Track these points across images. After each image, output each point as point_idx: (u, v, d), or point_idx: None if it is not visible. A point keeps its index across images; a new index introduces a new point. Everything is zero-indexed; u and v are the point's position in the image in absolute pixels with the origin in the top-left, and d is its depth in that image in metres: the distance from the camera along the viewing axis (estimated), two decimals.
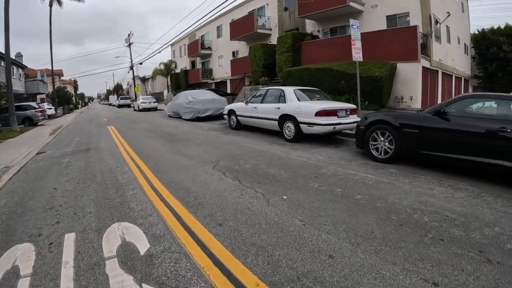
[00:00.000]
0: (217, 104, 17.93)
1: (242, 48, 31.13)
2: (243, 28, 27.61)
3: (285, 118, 9.96)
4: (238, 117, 12.62)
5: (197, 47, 38.32)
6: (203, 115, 17.57)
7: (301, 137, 9.66)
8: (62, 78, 64.53)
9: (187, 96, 18.66)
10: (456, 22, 22.22)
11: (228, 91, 32.91)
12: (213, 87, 35.89)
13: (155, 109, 32.09)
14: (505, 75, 24.28)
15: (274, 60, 22.24)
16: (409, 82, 15.86)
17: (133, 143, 10.34)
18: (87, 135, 13.84)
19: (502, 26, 25.48)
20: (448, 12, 19.43)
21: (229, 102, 20.16)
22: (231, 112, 13.16)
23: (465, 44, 25.49)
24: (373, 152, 6.91)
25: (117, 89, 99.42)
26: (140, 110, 31.73)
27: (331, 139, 10.06)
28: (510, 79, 24.18)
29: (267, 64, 22.88)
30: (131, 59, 53.85)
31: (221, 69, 35.93)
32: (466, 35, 26.04)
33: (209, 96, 18.68)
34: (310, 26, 22.67)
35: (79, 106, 76.06)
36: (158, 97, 44.33)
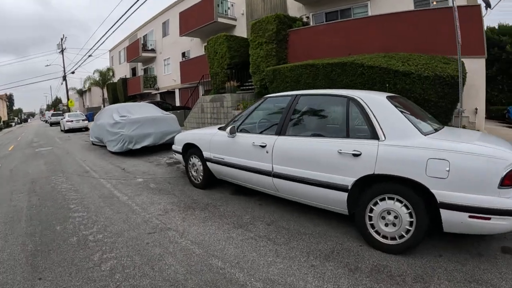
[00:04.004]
0: (161, 126, 10.73)
1: (196, 47, 24.14)
2: (197, 18, 20.49)
3: (377, 188, 3.49)
4: (212, 164, 5.55)
5: (137, 49, 30.83)
6: (138, 145, 10.15)
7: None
8: None
9: (113, 114, 11.02)
10: None
11: (178, 103, 26.23)
12: (158, 98, 29.19)
13: (86, 128, 25.97)
14: (505, 79, 21.75)
15: (245, 57, 15.62)
16: (471, 87, 10.42)
17: None
18: None
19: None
20: None
21: (180, 120, 13.32)
22: (191, 150, 6.04)
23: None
24: None
25: (56, 104, 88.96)
26: (66, 131, 25.76)
27: None
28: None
29: (234, 63, 16.15)
30: (64, 68, 44.26)
31: (168, 76, 28.86)
32: None
33: (148, 113, 11.13)
34: (294, 11, 16.30)
35: (13, 124, 66.24)
36: (95, 113, 36.32)
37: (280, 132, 4.41)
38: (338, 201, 3.73)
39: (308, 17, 15.90)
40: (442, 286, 2.87)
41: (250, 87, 15.35)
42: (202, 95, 18.25)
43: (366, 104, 3.75)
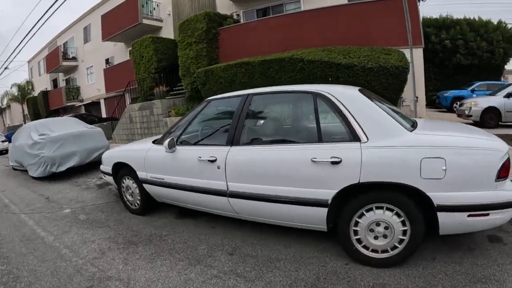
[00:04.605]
0: (87, 142, 9.28)
1: (120, 52, 22.46)
2: (121, 20, 18.94)
3: (363, 198, 2.95)
4: (150, 186, 4.51)
5: (57, 58, 28.00)
6: (62, 168, 8.62)
7: None
8: None
9: (31, 133, 9.28)
10: None
11: (104, 115, 24.19)
12: (83, 111, 26.78)
13: (6, 151, 22.03)
14: (431, 67, 21.96)
15: (174, 59, 14.60)
16: (411, 76, 10.52)
17: None
18: None
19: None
20: None
21: (108, 133, 12.13)
22: (123, 170, 4.97)
23: None
24: None
25: None
26: None
27: None
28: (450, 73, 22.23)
29: (162, 66, 15.02)
30: None
31: (92, 86, 26.59)
32: None
33: (71, 129, 9.54)
34: (224, 9, 15.54)
35: None
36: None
37: (233, 141, 3.56)
38: (316, 218, 3.08)
39: (238, 15, 15.33)
40: None
41: (180, 91, 14.44)
42: (130, 103, 16.89)
43: (338, 100, 3.12)
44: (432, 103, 19.37)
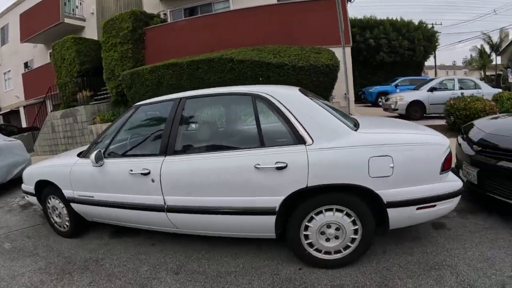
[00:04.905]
0: (6, 157, 8.02)
1: (40, 55, 20.74)
2: (41, 19, 17.46)
3: (312, 202, 2.88)
4: (78, 206, 3.93)
5: None
6: None
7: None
8: None
9: None
10: None
11: (24, 124, 22.36)
12: (1, 121, 24.50)
13: None
14: (353, 64, 23.19)
15: (98, 62, 13.69)
16: (341, 74, 10.83)
17: None
18: None
19: None
20: None
21: (29, 145, 11.27)
22: (47, 188, 4.33)
23: None
24: None
25: None
26: None
27: None
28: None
29: (86, 70, 14.06)
30: None
31: (10, 93, 24.35)
32: None
33: None
34: (150, 7, 14.88)
35: None
36: None
37: (167, 151, 3.24)
38: (264, 227, 2.93)
39: (165, 14, 14.86)
40: (408, 285, 2.71)
41: (106, 95, 13.63)
42: (51, 111, 15.56)
43: (279, 102, 2.98)
44: (358, 98, 20.41)
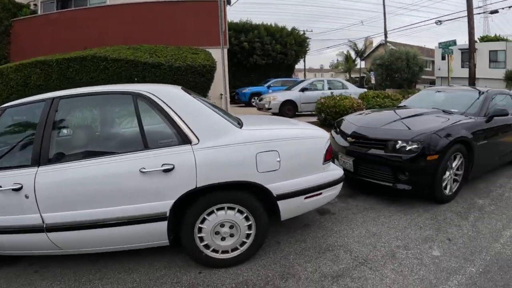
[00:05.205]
0: None
1: None
2: None
3: (203, 202, 2.81)
4: None
5: None
6: None
7: None
8: None
9: None
10: None
11: None
12: None
13: None
14: (229, 66, 24.29)
15: None
16: (217, 74, 11.01)
17: None
18: None
19: None
20: None
21: None
22: None
23: None
24: None
25: None
26: None
27: None
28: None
29: None
30: None
31: None
32: None
33: None
34: None
35: None
36: None
37: (40, 160, 2.73)
38: (156, 234, 2.74)
39: (36, 5, 13.28)
40: (308, 269, 2.90)
41: None
42: None
43: (162, 101, 2.84)
44: (232, 99, 20.94)
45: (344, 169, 3.74)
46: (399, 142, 4.18)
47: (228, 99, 12.28)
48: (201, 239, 2.81)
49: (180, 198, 2.66)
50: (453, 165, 4.35)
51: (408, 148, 4.11)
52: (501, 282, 2.77)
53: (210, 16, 10.98)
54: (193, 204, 2.73)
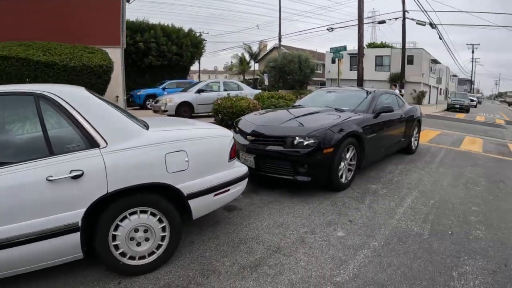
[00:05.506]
0: None
1: None
2: None
3: (115, 208, 2.63)
4: None
5: None
6: None
7: None
8: None
9: None
10: None
11: None
12: None
13: None
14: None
15: None
16: (113, 76, 10.48)
17: None
18: None
19: None
20: None
21: None
22: None
23: None
24: None
25: None
26: None
27: None
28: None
29: None
30: None
31: None
32: None
33: None
34: None
35: None
36: None
37: None
38: (69, 248, 2.48)
39: None
40: (226, 264, 2.99)
41: None
42: None
43: (67, 103, 2.60)
44: (127, 101, 20.06)
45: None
46: (297, 138, 4.54)
47: (125, 101, 11.88)
48: (117, 247, 2.65)
49: (92, 205, 2.48)
50: (347, 156, 4.90)
51: (305, 143, 4.49)
52: (402, 250, 3.28)
53: (109, 13, 10.47)
54: (105, 210, 2.58)
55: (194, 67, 33.88)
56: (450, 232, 3.75)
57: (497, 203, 4.77)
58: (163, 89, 18.65)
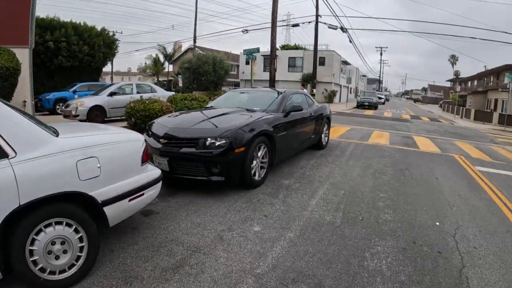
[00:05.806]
0: None
1: None
2: None
3: (27, 222, 2.50)
4: None
5: None
6: None
7: None
8: None
9: None
10: None
11: None
12: None
13: None
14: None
15: None
16: (20, 78, 9.56)
17: None
18: None
19: None
20: None
21: None
22: None
23: None
24: None
25: None
26: None
27: None
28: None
29: None
30: None
31: None
32: None
33: None
34: None
35: None
36: None
37: None
38: None
39: None
40: (148, 268, 3.01)
41: None
42: None
43: None
44: (34, 106, 18.74)
45: (161, 170, 3.92)
46: (209, 139, 4.72)
47: (33, 106, 11.11)
48: (35, 262, 2.52)
49: (5, 220, 2.33)
50: (259, 154, 5.22)
51: (217, 143, 4.68)
52: (316, 238, 3.64)
53: (17, 10, 9.63)
54: (19, 224, 2.45)
55: (107, 68, 32.34)
56: (360, 218, 4.22)
57: (403, 189, 5.44)
58: (74, 92, 17.55)
